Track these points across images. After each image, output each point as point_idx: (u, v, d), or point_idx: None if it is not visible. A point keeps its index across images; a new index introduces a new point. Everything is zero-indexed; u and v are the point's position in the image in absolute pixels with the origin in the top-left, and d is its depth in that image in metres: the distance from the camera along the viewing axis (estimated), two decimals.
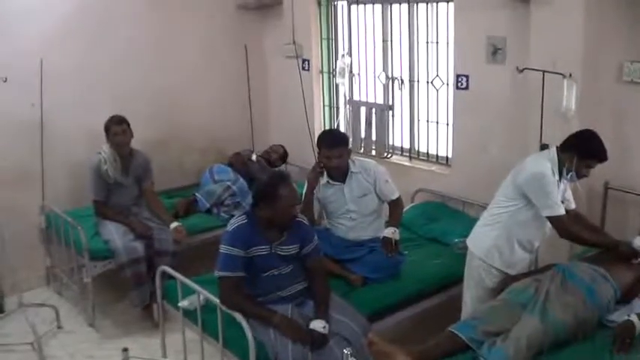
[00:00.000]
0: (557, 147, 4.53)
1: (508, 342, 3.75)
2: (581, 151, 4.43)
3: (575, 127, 4.96)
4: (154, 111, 7.18)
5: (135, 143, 6.09)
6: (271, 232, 4.36)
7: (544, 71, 5.03)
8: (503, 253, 4.64)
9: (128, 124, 5.92)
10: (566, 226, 4.49)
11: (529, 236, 4.66)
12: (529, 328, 3.82)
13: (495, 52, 5.72)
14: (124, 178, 5.95)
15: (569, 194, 4.74)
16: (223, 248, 4.29)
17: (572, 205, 4.79)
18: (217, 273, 4.31)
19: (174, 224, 5.94)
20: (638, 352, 3.84)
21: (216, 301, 4.21)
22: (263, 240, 4.33)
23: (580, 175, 4.53)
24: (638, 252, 4.42)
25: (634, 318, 3.95)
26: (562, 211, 4.43)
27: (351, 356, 3.39)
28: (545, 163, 4.46)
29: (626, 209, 5.25)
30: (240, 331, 4.02)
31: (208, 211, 6.61)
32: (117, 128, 5.85)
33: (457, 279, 5.03)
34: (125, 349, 3.43)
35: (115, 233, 5.76)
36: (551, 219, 4.46)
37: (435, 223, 6.03)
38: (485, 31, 5.76)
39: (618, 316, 4.15)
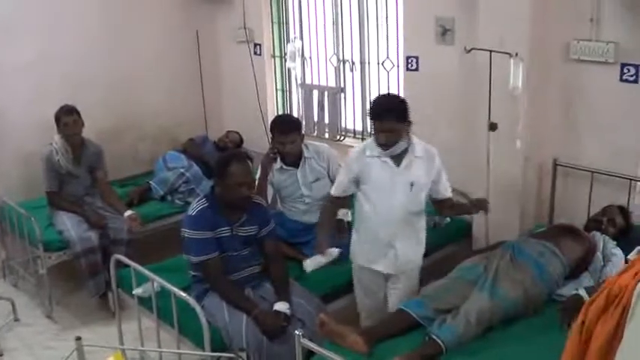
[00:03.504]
0: None
1: (458, 319, 3.82)
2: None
3: (522, 106, 5.06)
4: (106, 100, 7.16)
5: (88, 132, 6.04)
6: (231, 213, 4.40)
7: (491, 51, 5.07)
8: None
9: (79, 114, 5.87)
10: (327, 204, 4.73)
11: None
12: (478, 305, 3.89)
13: (444, 32, 5.78)
14: (76, 168, 5.91)
15: (443, 186, 4.53)
16: (190, 233, 4.32)
17: (447, 194, 4.57)
18: (194, 259, 4.35)
19: (128, 212, 5.93)
20: None
21: (171, 287, 4.21)
22: (224, 221, 4.38)
23: (379, 143, 4.31)
24: None
25: (582, 292, 4.02)
26: (332, 192, 4.62)
27: (303, 337, 3.42)
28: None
29: (574, 185, 5.34)
30: (194, 317, 4.02)
31: (162, 199, 6.61)
32: (67, 118, 5.80)
33: None
34: (78, 338, 3.42)
35: (68, 224, 5.73)
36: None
37: None
38: (434, 12, 5.81)
39: (567, 291, 4.22)
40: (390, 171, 4.30)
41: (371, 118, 4.40)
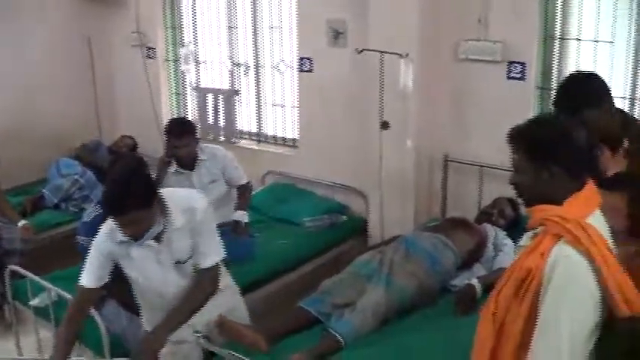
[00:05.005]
0: None
1: (355, 313, 3.89)
2: None
3: (413, 105, 5.18)
4: None
5: None
6: None
7: (382, 52, 5.17)
8: None
9: None
10: (75, 300, 3.77)
11: None
12: (374, 299, 3.97)
13: (337, 35, 5.85)
14: None
15: (201, 253, 3.68)
16: (85, 240, 4.19)
17: (207, 263, 3.68)
18: None
19: (21, 222, 5.79)
20: (477, 313, 4.05)
21: (68, 296, 4.14)
22: None
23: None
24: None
25: (474, 282, 4.16)
26: (82, 282, 3.62)
27: (202, 338, 3.44)
28: None
29: (465, 179, 5.49)
30: (93, 325, 3.96)
31: (57, 207, 6.50)
32: None
33: (308, 257, 5.14)
34: None
35: None
36: None
37: (285, 204, 6.12)
38: (326, 15, 5.89)
39: (460, 281, 4.36)
40: (153, 251, 3.54)
41: (107, 213, 3.51)
